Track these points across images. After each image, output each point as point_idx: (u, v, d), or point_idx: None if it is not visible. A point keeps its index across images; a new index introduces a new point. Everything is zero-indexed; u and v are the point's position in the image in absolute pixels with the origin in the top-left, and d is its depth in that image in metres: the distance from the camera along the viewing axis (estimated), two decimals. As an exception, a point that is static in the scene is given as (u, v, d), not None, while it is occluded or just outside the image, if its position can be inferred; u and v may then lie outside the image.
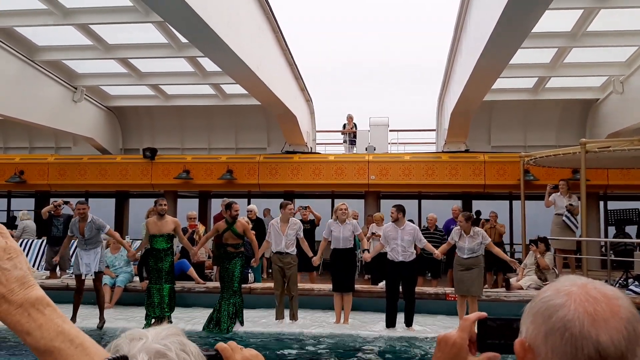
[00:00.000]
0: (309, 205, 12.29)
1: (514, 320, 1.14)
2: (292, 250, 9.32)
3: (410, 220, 9.62)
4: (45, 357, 0.85)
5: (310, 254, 9.71)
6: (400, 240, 8.95)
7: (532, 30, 9.03)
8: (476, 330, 1.19)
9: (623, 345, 0.91)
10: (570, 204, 11.48)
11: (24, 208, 19.75)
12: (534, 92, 15.46)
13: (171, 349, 0.99)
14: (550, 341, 0.95)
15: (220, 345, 1.36)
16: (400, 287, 9.00)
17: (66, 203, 12.00)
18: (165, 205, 9.22)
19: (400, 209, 9.03)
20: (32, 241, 13.82)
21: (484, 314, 1.19)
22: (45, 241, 12.95)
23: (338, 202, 13.29)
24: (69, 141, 18.29)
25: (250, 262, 9.73)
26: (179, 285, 10.65)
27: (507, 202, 17.24)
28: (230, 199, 9.49)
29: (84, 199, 9.55)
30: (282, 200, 17.72)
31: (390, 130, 17.21)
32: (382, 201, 16.78)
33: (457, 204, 16.98)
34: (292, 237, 9.35)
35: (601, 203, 16.49)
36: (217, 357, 1.32)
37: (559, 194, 11.96)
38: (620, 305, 0.95)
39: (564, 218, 11.42)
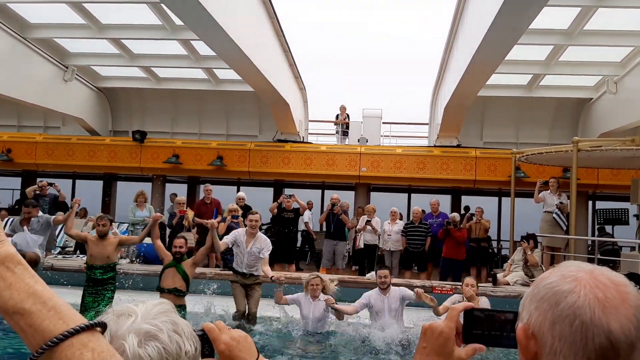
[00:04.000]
0: (293, 194, 12.11)
1: (502, 312, 1.11)
2: (256, 270, 7.86)
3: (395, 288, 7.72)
4: (15, 319, 0.77)
5: (270, 274, 7.91)
6: (387, 311, 7.32)
7: (529, 27, 8.99)
8: (462, 321, 1.14)
9: (633, 334, 0.88)
10: (561, 202, 11.49)
11: (10, 187, 19.59)
12: (528, 89, 15.46)
13: (162, 329, 0.93)
14: (558, 329, 0.90)
15: (208, 325, 1.30)
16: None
17: (51, 185, 11.84)
18: (104, 225, 7.56)
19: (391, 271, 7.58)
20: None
21: (471, 304, 1.14)
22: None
23: (328, 194, 13.29)
24: (58, 121, 18.07)
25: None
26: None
27: (497, 198, 17.28)
28: (182, 235, 7.88)
29: (34, 202, 9.10)
30: (272, 188, 17.80)
31: (383, 123, 17.16)
32: (372, 194, 16.75)
33: (447, 199, 17.03)
34: (256, 254, 7.86)
35: (590, 202, 16.56)
36: (204, 337, 1.27)
37: (548, 191, 11.97)
38: (629, 292, 0.91)
39: (554, 216, 11.44)
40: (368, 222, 11.96)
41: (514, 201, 12.76)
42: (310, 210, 13.16)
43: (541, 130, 16.42)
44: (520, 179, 13.98)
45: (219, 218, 12.01)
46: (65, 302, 0.80)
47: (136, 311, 0.98)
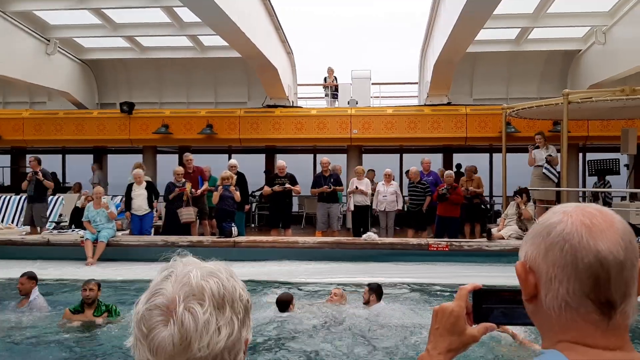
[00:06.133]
0: (287, 185, 11.44)
1: (510, 290, 1.15)
2: None
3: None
4: None
5: None
6: None
7: (518, -22, 8.90)
8: (471, 302, 1.18)
9: (621, 254, 0.94)
10: (549, 155, 11.54)
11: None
12: (517, 43, 15.37)
13: (222, 271, 1.03)
14: (551, 256, 0.97)
15: None
16: None
17: (36, 174, 11.56)
18: (92, 290, 6.33)
19: (374, 290, 6.82)
20: (10, 197, 13.61)
21: (479, 284, 1.18)
22: (23, 198, 12.76)
23: (320, 158, 13.16)
24: (44, 96, 17.83)
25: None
26: (161, 240, 10.62)
27: (488, 154, 17.36)
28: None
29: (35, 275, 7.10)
30: (264, 155, 17.75)
31: (373, 84, 17.03)
32: (364, 155, 16.74)
33: (439, 157, 17.10)
34: None
35: (580, 155, 16.67)
36: None
37: (538, 148, 12.00)
38: (614, 218, 0.98)
39: (543, 170, 11.49)
40: (357, 188, 11.93)
41: (506, 156, 12.81)
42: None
43: (530, 84, 16.39)
44: (510, 134, 14.00)
45: (205, 185, 12.01)
46: None
47: (199, 262, 1.08)
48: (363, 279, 8.76)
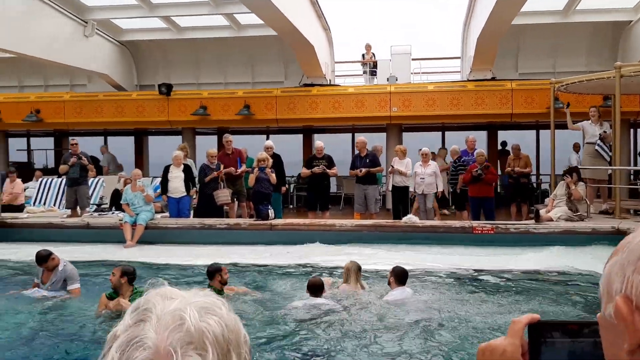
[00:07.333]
0: (324, 167, 11.31)
1: (575, 322, 0.88)
2: None
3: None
4: None
5: None
6: None
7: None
8: (526, 337, 0.91)
9: None
10: (604, 131, 10.94)
11: (43, 147, 19.85)
12: (564, 14, 14.65)
13: (219, 305, 0.79)
14: None
15: None
16: None
17: (80, 158, 11.55)
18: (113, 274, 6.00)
19: (395, 273, 6.46)
20: (52, 180, 13.79)
21: (537, 316, 0.90)
22: (63, 181, 12.87)
23: (359, 136, 12.86)
24: (84, 78, 17.99)
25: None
26: (199, 222, 10.55)
27: (534, 131, 16.72)
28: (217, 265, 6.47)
29: (49, 250, 6.81)
30: (301, 135, 17.56)
31: (413, 59, 16.50)
32: (404, 134, 16.33)
33: (483, 134, 16.55)
34: None
35: (631, 131, 15.90)
36: None
37: (589, 122, 11.40)
38: None
39: (596, 147, 10.91)
40: (392, 168, 11.57)
41: (554, 133, 12.24)
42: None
43: (578, 57, 15.62)
44: (558, 109, 13.37)
45: (243, 167, 11.88)
46: None
47: (181, 294, 0.81)
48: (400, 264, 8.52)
